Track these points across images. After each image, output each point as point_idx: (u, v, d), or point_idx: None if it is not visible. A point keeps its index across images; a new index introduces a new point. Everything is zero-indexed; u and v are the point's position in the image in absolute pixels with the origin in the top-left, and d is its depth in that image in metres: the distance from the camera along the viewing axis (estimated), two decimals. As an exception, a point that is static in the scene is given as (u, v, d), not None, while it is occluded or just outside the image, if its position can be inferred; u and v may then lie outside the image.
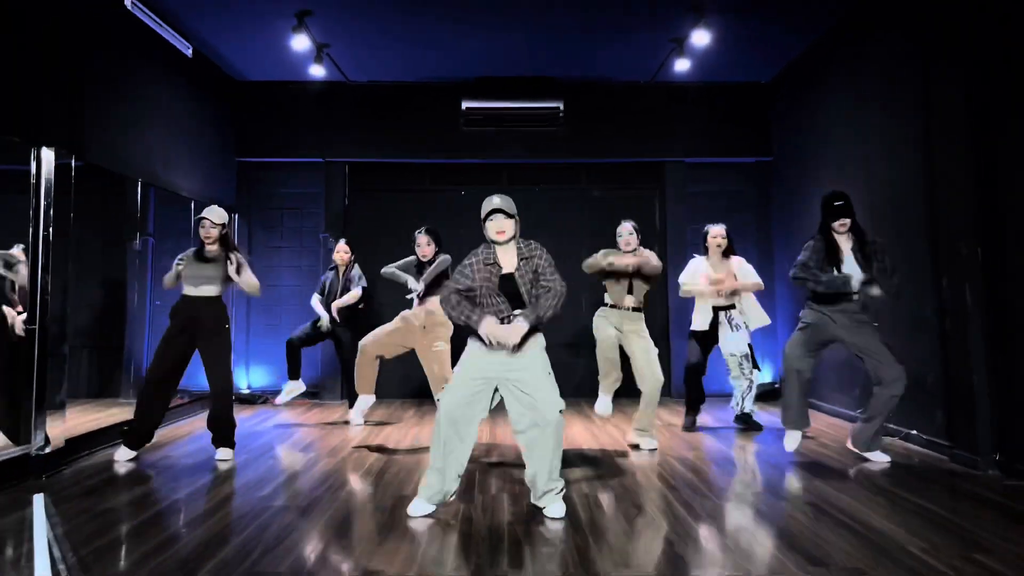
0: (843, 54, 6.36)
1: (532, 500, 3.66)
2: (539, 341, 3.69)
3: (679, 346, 7.91)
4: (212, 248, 5.06)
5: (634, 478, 4.34)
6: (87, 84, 5.29)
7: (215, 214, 5.08)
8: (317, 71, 7.05)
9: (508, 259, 3.70)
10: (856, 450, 4.76)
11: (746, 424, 6.05)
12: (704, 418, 6.46)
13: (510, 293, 3.64)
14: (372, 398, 5.54)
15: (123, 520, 3.53)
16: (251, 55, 7.20)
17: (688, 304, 7.75)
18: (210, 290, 5.01)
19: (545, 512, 3.56)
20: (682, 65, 6.99)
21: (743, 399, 6.00)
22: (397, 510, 3.67)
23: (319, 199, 8.02)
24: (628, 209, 8.14)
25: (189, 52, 6.66)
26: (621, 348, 5.35)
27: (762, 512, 3.62)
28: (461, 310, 3.58)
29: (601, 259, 5.27)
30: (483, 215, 3.71)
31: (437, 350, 5.30)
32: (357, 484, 4.22)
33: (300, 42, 6.42)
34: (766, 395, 7.63)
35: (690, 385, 5.99)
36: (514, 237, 3.72)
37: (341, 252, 6.64)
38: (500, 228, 3.66)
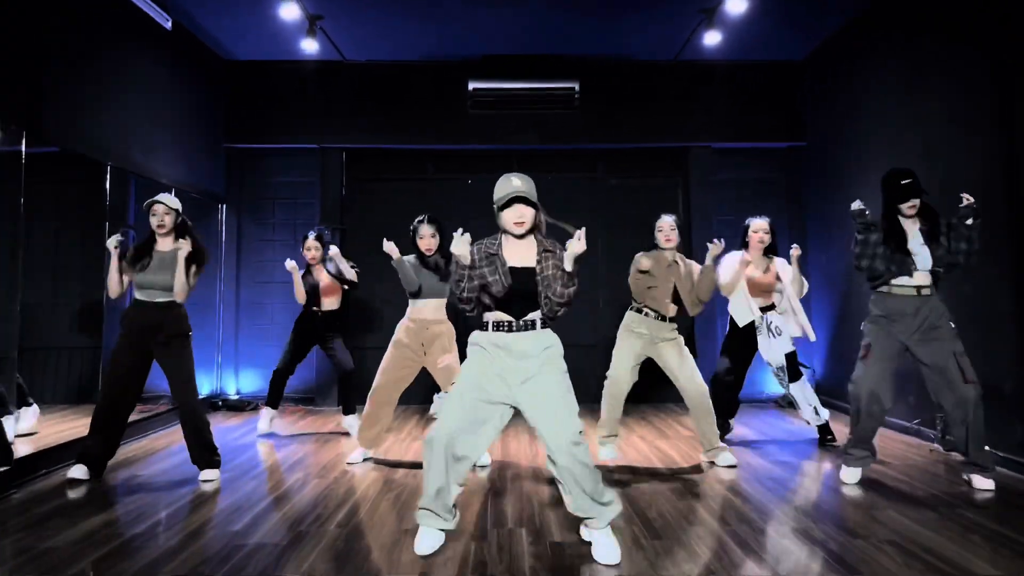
0: (893, 24, 5.72)
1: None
2: (550, 341, 3.06)
3: (706, 348, 7.29)
4: (166, 240, 4.31)
5: (675, 506, 3.71)
6: (47, 58, 4.69)
7: (170, 199, 4.34)
8: (310, 46, 6.42)
9: (523, 253, 3.07)
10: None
11: (823, 437, 5.23)
12: (742, 430, 5.84)
13: (524, 292, 3.01)
14: (370, 452, 4.80)
15: (69, 561, 2.91)
16: (238, 30, 6.57)
17: (714, 306, 7.17)
18: (159, 294, 4.27)
19: (594, 553, 2.93)
20: (712, 39, 6.35)
21: (815, 409, 5.19)
22: (396, 550, 3.06)
23: (314, 189, 7.41)
24: (649, 199, 7.55)
25: (168, 25, 6.03)
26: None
27: (837, 554, 2.99)
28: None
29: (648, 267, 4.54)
30: (499, 200, 3.04)
31: (443, 366, 4.65)
32: (350, 514, 3.60)
33: (290, 11, 5.80)
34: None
35: (717, 400, 5.02)
36: (535, 229, 3.09)
37: (312, 249, 5.79)
38: (519, 218, 3.02)
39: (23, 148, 4.37)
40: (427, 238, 4.78)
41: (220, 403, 7.04)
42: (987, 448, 4.05)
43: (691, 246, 7.39)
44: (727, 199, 7.52)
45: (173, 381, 4.25)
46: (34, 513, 3.61)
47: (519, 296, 3.02)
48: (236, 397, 7.20)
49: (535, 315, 3.05)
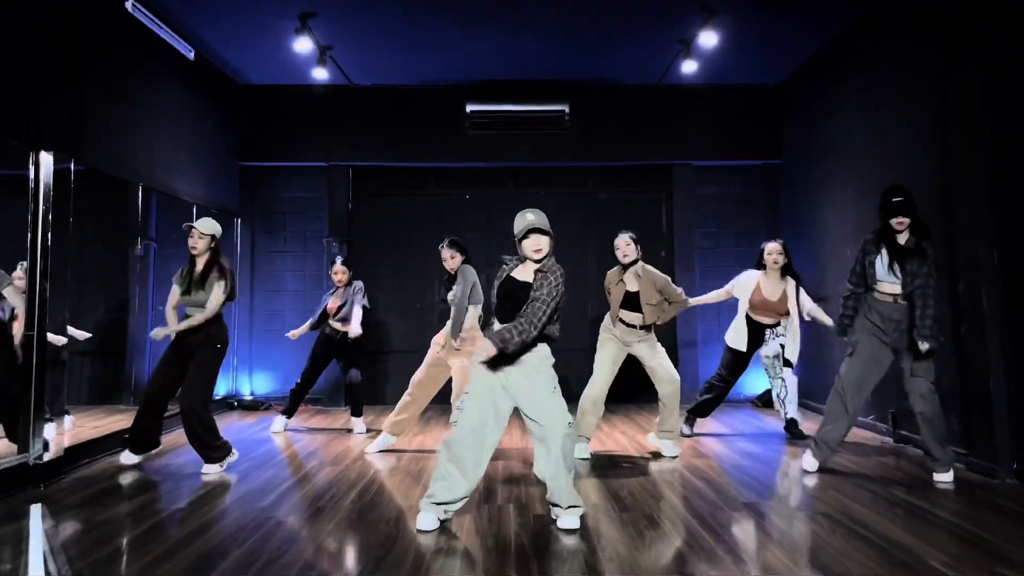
0: (857, 55, 6.26)
1: (548, 500, 3.55)
2: (541, 353, 3.55)
3: (688, 356, 7.81)
4: (201, 261, 4.79)
5: (643, 486, 4.24)
6: (87, 87, 5.23)
7: (204, 224, 4.81)
8: (320, 74, 6.98)
9: (528, 271, 3.61)
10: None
11: (791, 433, 5.75)
12: (716, 425, 6.38)
13: (521, 302, 3.52)
14: (393, 439, 5.33)
15: (122, 531, 3.44)
16: (254, 58, 7.14)
17: (694, 313, 7.67)
18: (199, 314, 4.76)
19: (558, 523, 3.47)
20: (689, 67, 6.90)
21: (784, 403, 5.70)
22: (401, 521, 3.58)
23: (322, 203, 7.96)
24: (635, 213, 8.09)
25: (191, 55, 6.60)
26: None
27: (776, 523, 3.52)
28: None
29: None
30: (518, 233, 3.55)
31: (462, 366, 5.09)
32: (361, 494, 4.12)
33: (303, 44, 6.35)
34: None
35: (702, 399, 5.86)
36: (550, 254, 3.58)
37: (339, 273, 6.22)
38: (537, 246, 3.52)
39: (72, 168, 4.88)
40: (447, 260, 5.26)
41: (235, 403, 7.57)
42: (950, 447, 4.40)
43: (674, 256, 7.94)
44: (709, 213, 8.06)
45: (188, 379, 4.68)
46: (84, 494, 4.14)
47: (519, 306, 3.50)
48: (250, 398, 7.72)
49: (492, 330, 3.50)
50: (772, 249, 5.58)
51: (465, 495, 3.48)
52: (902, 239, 4.32)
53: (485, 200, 8.09)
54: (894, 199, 4.30)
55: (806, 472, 4.54)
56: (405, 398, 5.25)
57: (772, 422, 6.47)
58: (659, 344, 5.19)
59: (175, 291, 4.79)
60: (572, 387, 5.69)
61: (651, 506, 3.83)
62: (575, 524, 3.43)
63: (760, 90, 7.98)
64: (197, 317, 4.67)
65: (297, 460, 5.07)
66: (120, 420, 5.80)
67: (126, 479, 4.51)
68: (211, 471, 4.67)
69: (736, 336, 5.67)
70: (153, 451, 4.98)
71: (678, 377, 5.12)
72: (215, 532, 3.42)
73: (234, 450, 4.86)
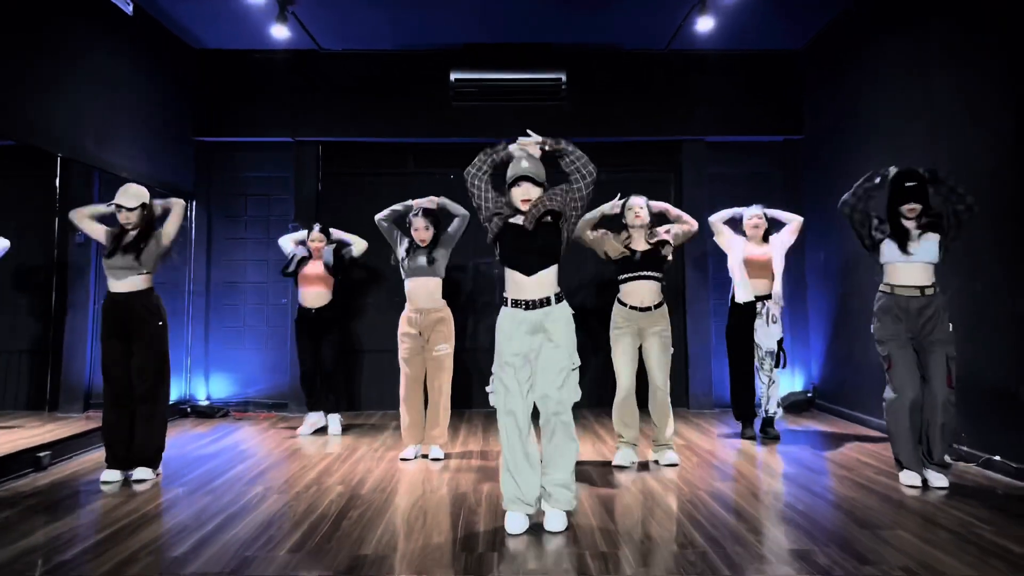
0: (896, 8, 5.41)
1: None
2: (564, 314, 3.35)
3: (699, 353, 6.98)
4: (133, 234, 4.26)
5: (662, 522, 3.38)
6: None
7: (128, 196, 4.26)
8: (280, 33, 6.06)
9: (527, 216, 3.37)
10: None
11: (764, 432, 5.36)
12: (722, 427, 5.56)
13: (544, 248, 3.32)
14: (421, 446, 4.91)
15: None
16: (205, 15, 6.22)
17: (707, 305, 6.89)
18: (137, 282, 4.26)
19: (544, 523, 3.25)
20: (704, 25, 6.03)
21: (768, 400, 5.34)
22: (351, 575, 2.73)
23: (288, 184, 7.06)
24: (641, 194, 7.21)
25: (129, 9, 5.68)
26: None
27: (830, 573, 2.68)
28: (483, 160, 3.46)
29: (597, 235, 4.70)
30: (509, 179, 3.36)
31: (440, 354, 4.83)
32: (306, 536, 3.26)
33: (257, -6, 5.46)
34: (800, 405, 6.69)
35: (738, 393, 5.50)
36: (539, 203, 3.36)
37: (316, 241, 5.90)
38: (526, 196, 3.33)
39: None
40: (420, 230, 4.91)
41: (189, 409, 6.70)
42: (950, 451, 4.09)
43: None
44: (721, 195, 7.15)
45: (137, 365, 4.24)
46: (-43, 536, 3.26)
47: (537, 252, 3.32)
48: (206, 403, 6.84)
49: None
50: (752, 215, 5.52)
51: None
52: (911, 226, 4.03)
53: (471, 180, 7.19)
54: (907, 183, 4.00)
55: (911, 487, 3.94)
56: (402, 412, 4.87)
57: (793, 426, 5.64)
58: (670, 347, 4.60)
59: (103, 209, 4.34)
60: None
61: (674, 554, 2.98)
62: (562, 525, 3.24)
63: (780, 56, 7.12)
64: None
65: (239, 485, 4.19)
66: (42, 433, 4.94)
67: (21, 511, 3.63)
68: (146, 476, 4.25)
69: (740, 289, 5.40)
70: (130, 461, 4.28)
71: (667, 389, 4.61)
72: (98, 600, 2.55)
73: None
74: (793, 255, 6.84)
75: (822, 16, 6.32)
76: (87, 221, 4.31)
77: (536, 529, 3.27)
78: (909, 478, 3.98)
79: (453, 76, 6.76)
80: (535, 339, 3.31)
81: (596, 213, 4.61)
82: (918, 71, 5.17)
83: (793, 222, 5.52)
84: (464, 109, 6.98)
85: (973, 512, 3.50)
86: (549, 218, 3.35)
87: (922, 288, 3.97)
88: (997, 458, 4.26)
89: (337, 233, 5.97)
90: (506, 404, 3.29)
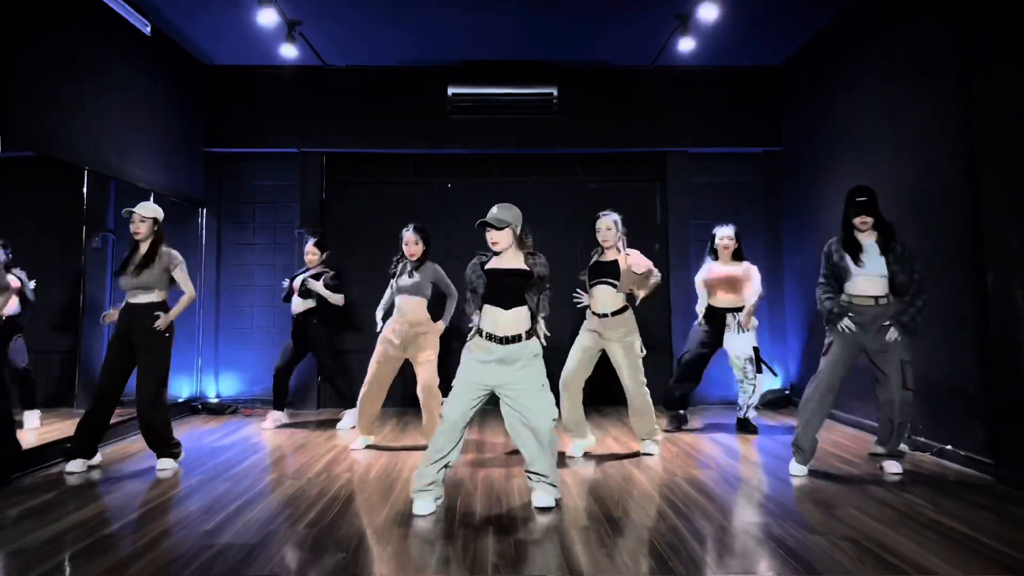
0: (867, 32, 5.80)
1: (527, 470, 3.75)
2: (533, 350, 3.73)
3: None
4: (144, 247, 4.64)
5: (624, 487, 3.78)
6: (20, 59, 4.71)
7: (145, 207, 4.68)
8: (288, 51, 6.46)
9: (509, 260, 3.76)
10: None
11: (742, 429, 5.83)
12: (710, 428, 5.94)
13: (515, 288, 3.71)
14: (371, 438, 5.39)
15: (35, 565, 2.94)
16: (217, 35, 6.61)
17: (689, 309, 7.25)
18: (148, 297, 4.64)
19: (533, 501, 3.68)
20: (687, 45, 6.42)
21: (746, 406, 5.83)
22: (361, 549, 3.10)
23: (294, 192, 7.44)
24: (627, 203, 7.58)
25: (147, 30, 6.07)
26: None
27: (792, 549, 3.06)
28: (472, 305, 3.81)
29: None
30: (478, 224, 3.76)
31: (427, 361, 5.15)
32: (320, 514, 3.64)
33: (268, 17, 5.82)
34: (777, 402, 7.09)
35: (681, 379, 5.95)
36: (512, 246, 3.74)
37: (310, 254, 6.29)
38: (492, 239, 3.72)
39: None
40: (410, 244, 5.18)
41: (200, 406, 7.06)
42: (903, 444, 4.49)
43: (668, 249, 7.47)
44: (705, 203, 7.59)
45: (141, 373, 4.57)
46: (5, 516, 3.63)
47: (511, 291, 3.71)
48: (216, 401, 7.21)
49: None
50: (724, 235, 5.89)
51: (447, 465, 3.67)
52: (863, 239, 4.34)
53: (468, 189, 7.60)
54: (858, 198, 4.33)
55: (795, 477, 4.31)
56: (361, 402, 5.25)
57: (770, 422, 6.03)
58: (635, 350, 4.85)
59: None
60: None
61: (647, 524, 3.37)
62: (550, 502, 3.65)
63: (760, 72, 7.52)
64: (182, 301, 4.72)
65: (255, 473, 4.57)
66: (68, 427, 5.29)
67: (51, 496, 4.00)
68: (168, 466, 4.63)
69: (700, 304, 6.00)
70: (94, 460, 4.66)
71: (646, 390, 4.90)
72: (144, 564, 2.93)
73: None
74: (770, 260, 7.28)
75: (797, 36, 6.72)
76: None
77: (526, 507, 3.66)
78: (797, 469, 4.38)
79: (450, 91, 7.13)
80: (505, 370, 3.67)
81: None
82: (886, 88, 5.53)
83: (756, 295, 5.77)
84: (461, 122, 7.36)
85: (921, 494, 3.90)
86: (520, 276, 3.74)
87: (876, 298, 4.27)
88: (949, 447, 4.66)
89: (315, 287, 6.14)
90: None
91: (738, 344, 5.70)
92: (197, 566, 2.91)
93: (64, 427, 5.30)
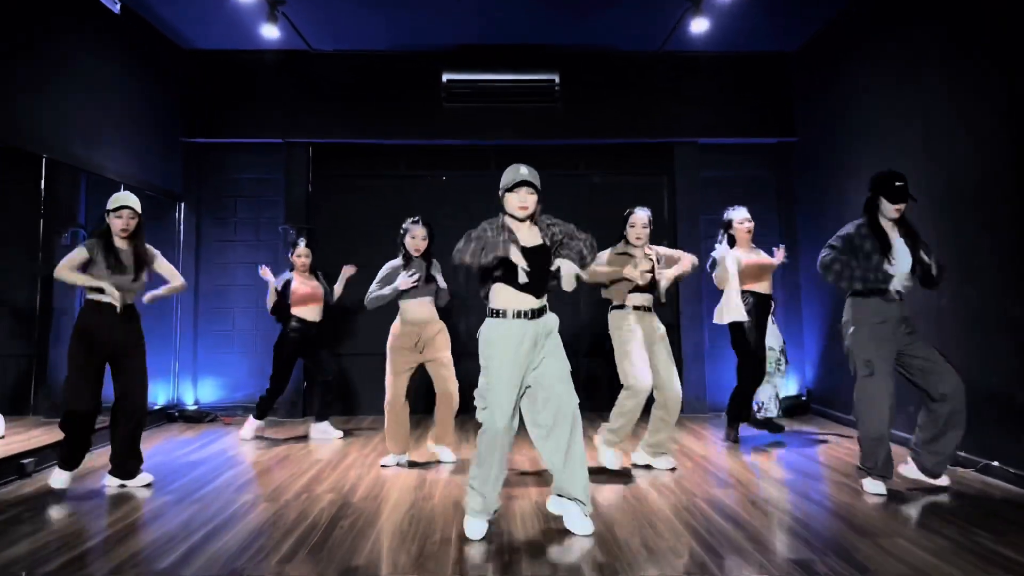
0: (890, 12, 5.39)
1: (553, 509, 3.43)
2: (555, 321, 3.40)
3: (707, 359, 6.94)
4: (123, 243, 4.21)
5: (657, 528, 3.34)
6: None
7: (133, 200, 4.24)
8: (271, 33, 6.00)
9: (528, 235, 3.35)
10: (917, 476, 3.98)
11: (769, 428, 5.43)
12: (718, 432, 5.55)
13: (536, 270, 3.24)
14: (408, 455, 4.82)
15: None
16: (195, 15, 6.16)
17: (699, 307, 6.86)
18: (127, 297, 4.20)
19: (567, 525, 3.32)
20: (698, 27, 6.00)
21: (768, 402, 5.51)
22: (341, 593, 2.66)
23: (278, 186, 6.99)
24: (633, 197, 7.09)
25: (116, 8, 5.60)
26: None
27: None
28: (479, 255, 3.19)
29: (608, 269, 4.46)
30: (505, 185, 3.34)
31: (447, 361, 4.76)
32: (295, 547, 3.19)
33: (246, -7, 5.38)
34: (793, 409, 6.66)
35: (746, 395, 5.33)
36: (534, 215, 3.38)
37: (302, 256, 5.79)
38: (523, 203, 3.30)
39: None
40: (418, 239, 4.77)
41: (177, 414, 6.60)
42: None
43: (676, 245, 7.03)
44: (714, 197, 7.15)
45: (131, 382, 4.20)
46: (-63, 547, 3.18)
47: (531, 274, 3.23)
48: (194, 408, 6.76)
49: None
50: (744, 218, 5.32)
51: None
52: (892, 228, 3.96)
53: (463, 183, 7.14)
54: (897, 183, 3.89)
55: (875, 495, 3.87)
56: (388, 420, 4.71)
57: (818, 446, 5.62)
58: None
59: (79, 256, 4.08)
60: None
61: (672, 563, 2.93)
62: (588, 528, 3.27)
63: (773, 58, 7.10)
64: (175, 287, 4.46)
65: (227, 492, 4.11)
66: (35, 436, 4.86)
67: (6, 520, 3.55)
68: (147, 480, 4.26)
69: (734, 309, 5.08)
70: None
71: (681, 395, 4.54)
72: (81, 615, 2.48)
73: None
74: (788, 259, 6.85)
75: (816, 19, 6.31)
76: (70, 274, 4.07)
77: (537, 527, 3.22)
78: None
79: (445, 77, 6.71)
80: (536, 352, 3.28)
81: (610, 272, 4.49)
82: (910, 76, 5.15)
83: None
84: (456, 111, 6.93)
85: (972, 519, 3.47)
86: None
87: (901, 295, 3.94)
88: (996, 464, 4.24)
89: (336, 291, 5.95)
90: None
91: (773, 335, 5.34)
92: (145, 617, 2.46)
93: (23, 439, 4.86)
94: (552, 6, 6.04)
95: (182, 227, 6.87)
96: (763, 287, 5.29)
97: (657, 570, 2.86)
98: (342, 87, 6.98)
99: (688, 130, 7.11)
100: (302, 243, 5.84)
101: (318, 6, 6.01)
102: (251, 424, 5.74)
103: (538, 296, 3.29)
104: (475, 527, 3.26)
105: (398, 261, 4.74)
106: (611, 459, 4.42)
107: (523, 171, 3.33)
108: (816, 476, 4.41)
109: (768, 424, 5.47)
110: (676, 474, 4.44)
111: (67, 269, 4.06)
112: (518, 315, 3.24)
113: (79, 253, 4.07)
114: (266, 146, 7.01)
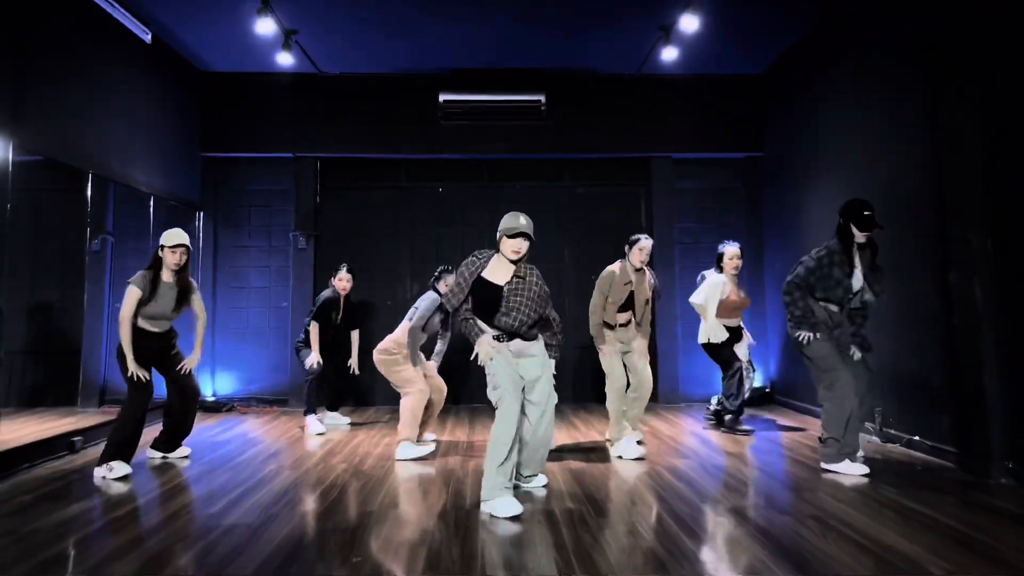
0: (844, 43, 6.04)
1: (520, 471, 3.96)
2: (542, 347, 3.93)
3: (666, 347, 7.59)
4: (170, 276, 4.69)
5: (622, 487, 3.99)
6: (28, 68, 4.89)
7: (184, 236, 4.69)
8: (285, 59, 6.67)
9: (502, 272, 3.77)
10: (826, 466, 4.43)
11: (738, 432, 5.83)
12: (692, 423, 6.17)
13: (490, 303, 3.74)
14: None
15: (50, 543, 3.13)
16: (215, 42, 6.81)
17: (670, 316, 7.51)
18: (168, 325, 4.79)
19: (523, 485, 3.96)
20: (670, 54, 6.67)
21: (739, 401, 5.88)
22: (360, 529, 3.30)
23: (289, 196, 7.64)
24: (613, 207, 7.88)
25: (147, 38, 6.26)
26: None
27: (761, 526, 3.29)
28: (469, 329, 3.81)
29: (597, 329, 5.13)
30: (504, 231, 3.73)
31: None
32: (319, 499, 3.84)
33: (266, 26, 6.04)
34: (758, 400, 7.32)
35: (735, 385, 5.88)
36: (523, 258, 3.80)
37: (343, 281, 6.19)
38: (519, 248, 3.72)
39: (10, 157, 4.58)
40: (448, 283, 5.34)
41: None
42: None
43: (652, 252, 7.68)
44: (688, 207, 7.85)
45: (185, 372, 4.83)
46: (17, 501, 3.81)
47: (485, 306, 3.76)
48: (213, 399, 7.38)
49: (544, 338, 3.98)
50: (733, 254, 5.80)
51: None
52: (857, 251, 4.41)
53: (459, 193, 7.82)
54: (866, 212, 4.34)
55: (847, 475, 4.30)
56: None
57: (757, 420, 6.27)
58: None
59: (136, 298, 4.51)
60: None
61: (628, 508, 3.59)
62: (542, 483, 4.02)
63: (742, 80, 7.77)
64: (201, 332, 4.96)
65: (255, 463, 4.76)
66: (71, 422, 5.46)
67: (63, 484, 4.19)
68: (188, 452, 5.02)
69: (715, 331, 5.78)
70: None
71: (651, 380, 5.23)
72: (155, 542, 3.12)
73: None
74: (751, 263, 7.50)
75: (777, 45, 6.98)
76: (127, 331, 4.48)
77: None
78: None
79: (442, 97, 7.36)
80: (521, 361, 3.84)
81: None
82: (859, 98, 5.79)
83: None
84: (452, 128, 7.59)
85: (886, 480, 4.14)
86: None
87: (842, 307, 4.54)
88: (917, 438, 4.90)
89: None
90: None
91: (744, 350, 5.87)
92: (205, 544, 3.10)
93: (60, 425, 5.45)
94: (538, 33, 6.68)
95: (201, 234, 7.50)
96: (734, 322, 5.86)
97: (621, 518, 3.52)
98: (347, 106, 7.63)
99: (664, 145, 7.78)
100: (344, 268, 6.23)
101: (326, 34, 6.65)
102: (313, 420, 6.03)
103: (513, 331, 3.76)
104: (509, 505, 3.50)
105: (435, 301, 5.24)
106: (631, 449, 4.89)
107: (522, 221, 3.69)
108: (764, 451, 5.07)
109: (719, 417, 5.99)
110: (645, 448, 5.09)
111: (127, 320, 4.47)
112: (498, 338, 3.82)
113: (133, 295, 4.48)
114: (277, 160, 7.66)
